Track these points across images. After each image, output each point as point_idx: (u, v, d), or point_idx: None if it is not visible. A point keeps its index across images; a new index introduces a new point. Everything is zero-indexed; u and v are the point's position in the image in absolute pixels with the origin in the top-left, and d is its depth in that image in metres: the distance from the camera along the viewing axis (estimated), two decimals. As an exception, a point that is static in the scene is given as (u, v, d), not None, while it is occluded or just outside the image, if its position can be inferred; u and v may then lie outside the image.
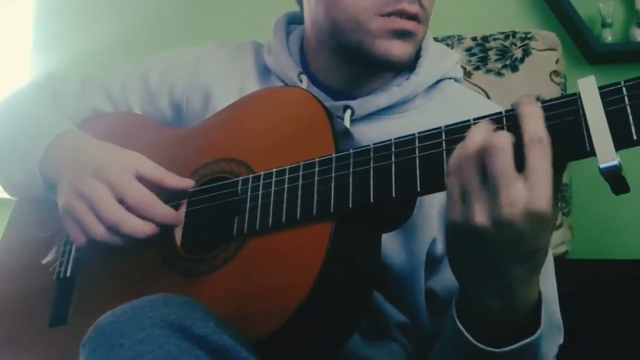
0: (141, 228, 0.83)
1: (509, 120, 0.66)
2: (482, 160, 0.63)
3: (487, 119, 0.67)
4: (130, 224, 0.82)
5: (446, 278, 0.89)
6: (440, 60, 0.99)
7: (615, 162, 0.59)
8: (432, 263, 0.91)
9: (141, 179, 0.86)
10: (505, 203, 0.61)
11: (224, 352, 0.64)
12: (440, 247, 0.90)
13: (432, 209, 0.89)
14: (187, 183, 0.88)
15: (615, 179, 0.60)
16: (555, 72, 1.51)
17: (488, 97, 1.49)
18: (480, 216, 0.62)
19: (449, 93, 0.99)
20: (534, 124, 0.63)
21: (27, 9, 2.38)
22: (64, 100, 1.10)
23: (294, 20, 1.09)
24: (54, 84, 1.12)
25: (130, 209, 0.83)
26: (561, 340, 0.86)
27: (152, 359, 0.61)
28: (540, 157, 0.61)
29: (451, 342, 0.75)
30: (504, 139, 0.62)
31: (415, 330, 0.93)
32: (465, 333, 0.70)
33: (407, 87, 0.95)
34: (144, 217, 0.83)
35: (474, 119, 0.68)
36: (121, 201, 0.84)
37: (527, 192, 0.61)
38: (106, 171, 0.85)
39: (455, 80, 1.02)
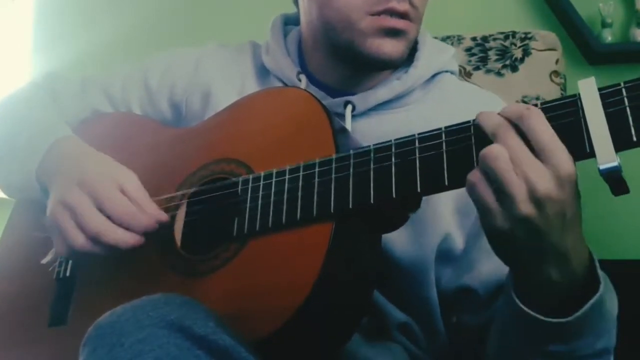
0: (124, 238, 0.82)
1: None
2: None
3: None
4: (112, 235, 0.81)
5: (483, 274, 0.89)
6: (437, 54, 1.00)
7: (615, 164, 0.60)
8: (449, 259, 0.91)
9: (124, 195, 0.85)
10: (539, 183, 0.61)
11: (224, 352, 0.64)
12: (459, 243, 0.91)
13: (440, 204, 0.90)
14: (161, 217, 0.85)
15: (615, 180, 0.61)
16: (555, 72, 1.50)
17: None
18: (523, 206, 0.62)
19: (446, 85, 1.00)
20: (511, 108, 0.65)
21: (27, 9, 2.37)
22: (64, 101, 1.10)
23: (290, 21, 1.09)
24: (54, 84, 1.12)
25: (110, 219, 0.82)
26: (616, 300, 0.79)
27: (152, 358, 0.61)
28: (540, 122, 0.63)
29: (512, 326, 0.75)
30: (514, 137, 0.63)
31: (423, 327, 0.93)
32: (530, 312, 0.69)
33: (406, 81, 0.96)
34: (125, 228, 0.82)
35: (473, 121, 0.69)
36: (101, 211, 0.83)
37: (549, 163, 0.61)
38: (89, 182, 0.85)
39: (452, 73, 1.03)
